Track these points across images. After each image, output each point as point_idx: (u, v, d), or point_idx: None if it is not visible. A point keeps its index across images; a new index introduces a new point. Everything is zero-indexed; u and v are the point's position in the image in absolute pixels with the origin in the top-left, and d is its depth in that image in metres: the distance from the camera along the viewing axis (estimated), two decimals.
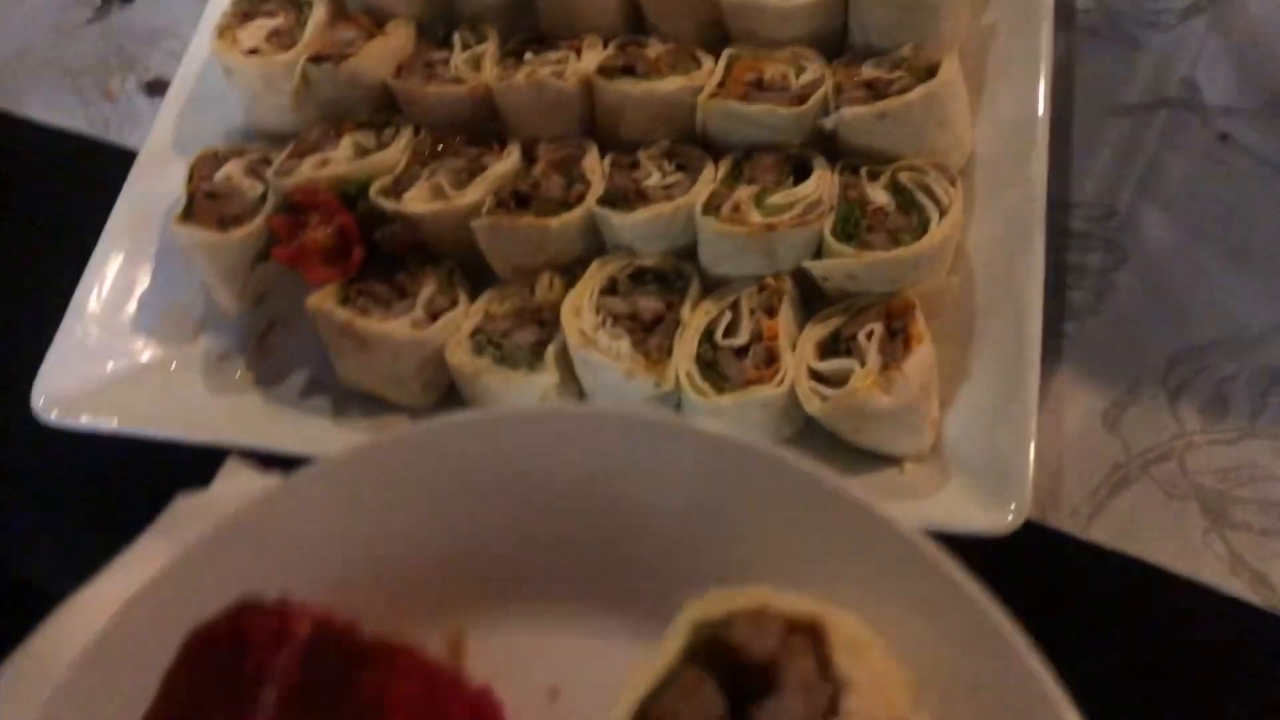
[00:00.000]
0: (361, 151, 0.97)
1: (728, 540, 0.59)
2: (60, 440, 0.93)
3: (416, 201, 0.91)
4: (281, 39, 1.04)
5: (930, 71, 0.90)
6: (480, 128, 0.98)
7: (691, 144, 0.95)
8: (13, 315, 1.07)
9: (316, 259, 0.91)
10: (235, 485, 0.76)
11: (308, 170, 0.94)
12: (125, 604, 0.62)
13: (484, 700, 0.60)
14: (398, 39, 1.02)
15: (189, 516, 0.73)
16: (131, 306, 0.98)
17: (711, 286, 0.89)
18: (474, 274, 0.93)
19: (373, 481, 0.64)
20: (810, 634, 0.51)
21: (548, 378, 0.85)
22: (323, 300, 0.88)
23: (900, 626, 0.54)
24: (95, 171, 1.12)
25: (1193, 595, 0.81)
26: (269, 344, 0.98)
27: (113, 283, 0.98)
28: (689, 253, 0.90)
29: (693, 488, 0.60)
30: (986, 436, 0.82)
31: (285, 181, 0.94)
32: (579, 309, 0.86)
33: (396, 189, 0.92)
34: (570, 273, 0.91)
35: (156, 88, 1.19)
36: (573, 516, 0.63)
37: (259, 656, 0.56)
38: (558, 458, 0.62)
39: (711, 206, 0.87)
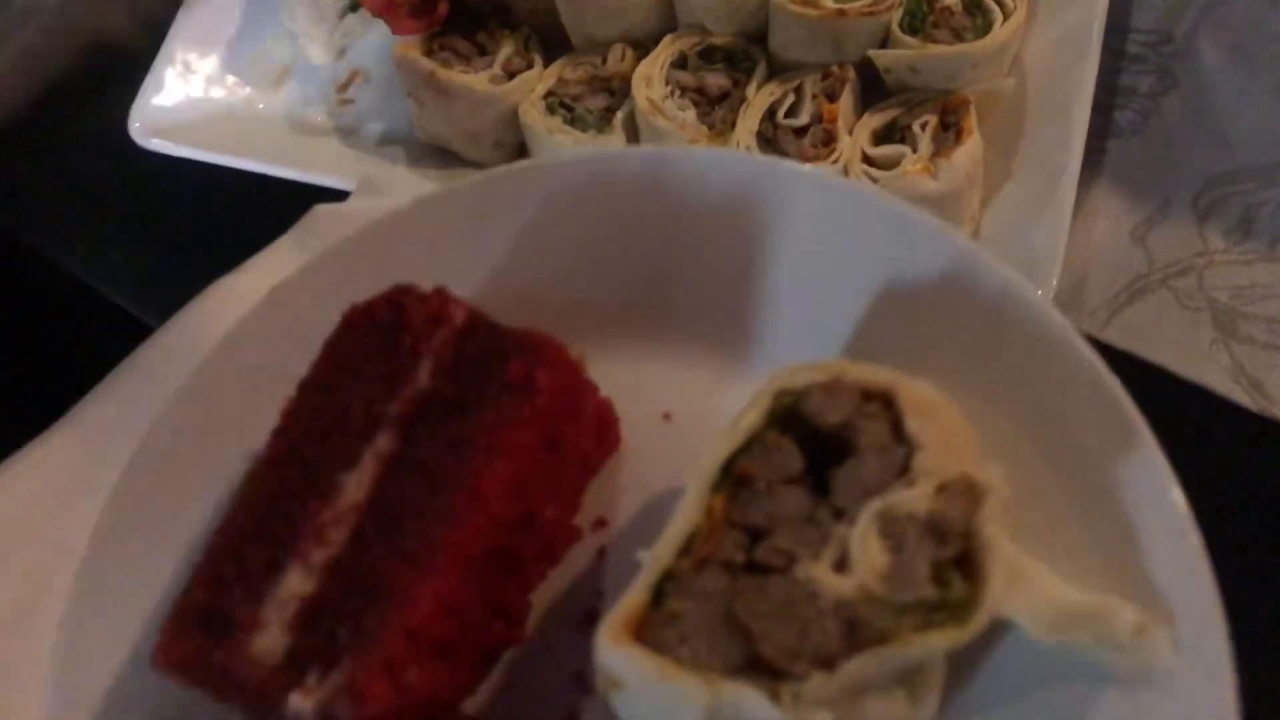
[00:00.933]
0: None
1: (834, 294, 0.63)
2: (150, 168, 0.99)
3: None
4: None
5: None
6: None
7: None
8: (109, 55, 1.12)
9: (403, 10, 0.95)
10: (369, 202, 0.82)
11: None
12: (273, 290, 0.67)
13: (607, 407, 0.66)
14: None
15: (325, 225, 0.79)
16: (224, 46, 1.04)
17: (777, 72, 0.93)
18: (549, 43, 0.97)
19: (505, 206, 0.67)
20: (882, 400, 0.54)
21: (615, 140, 0.90)
22: (408, 49, 0.93)
23: (980, 378, 0.57)
24: None
25: (1192, 396, 0.88)
26: (349, 94, 1.03)
27: (209, 20, 1.03)
28: (758, 37, 0.94)
29: (806, 236, 0.63)
30: (1021, 232, 0.87)
31: None
32: (649, 78, 0.90)
33: None
34: (641, 47, 0.95)
35: None
36: (693, 257, 0.66)
37: (417, 334, 0.60)
38: (691, 195, 0.65)
39: None
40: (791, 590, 0.49)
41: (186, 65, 1.01)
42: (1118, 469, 0.54)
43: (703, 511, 0.51)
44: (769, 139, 0.89)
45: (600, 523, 0.65)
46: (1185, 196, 0.94)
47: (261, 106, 1.02)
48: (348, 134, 1.01)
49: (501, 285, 0.66)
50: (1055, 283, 0.83)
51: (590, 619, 0.62)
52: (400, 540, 0.54)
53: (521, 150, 0.96)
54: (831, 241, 0.63)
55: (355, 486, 0.57)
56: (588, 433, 0.64)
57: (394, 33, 0.95)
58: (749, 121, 0.89)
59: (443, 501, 0.55)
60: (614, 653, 0.48)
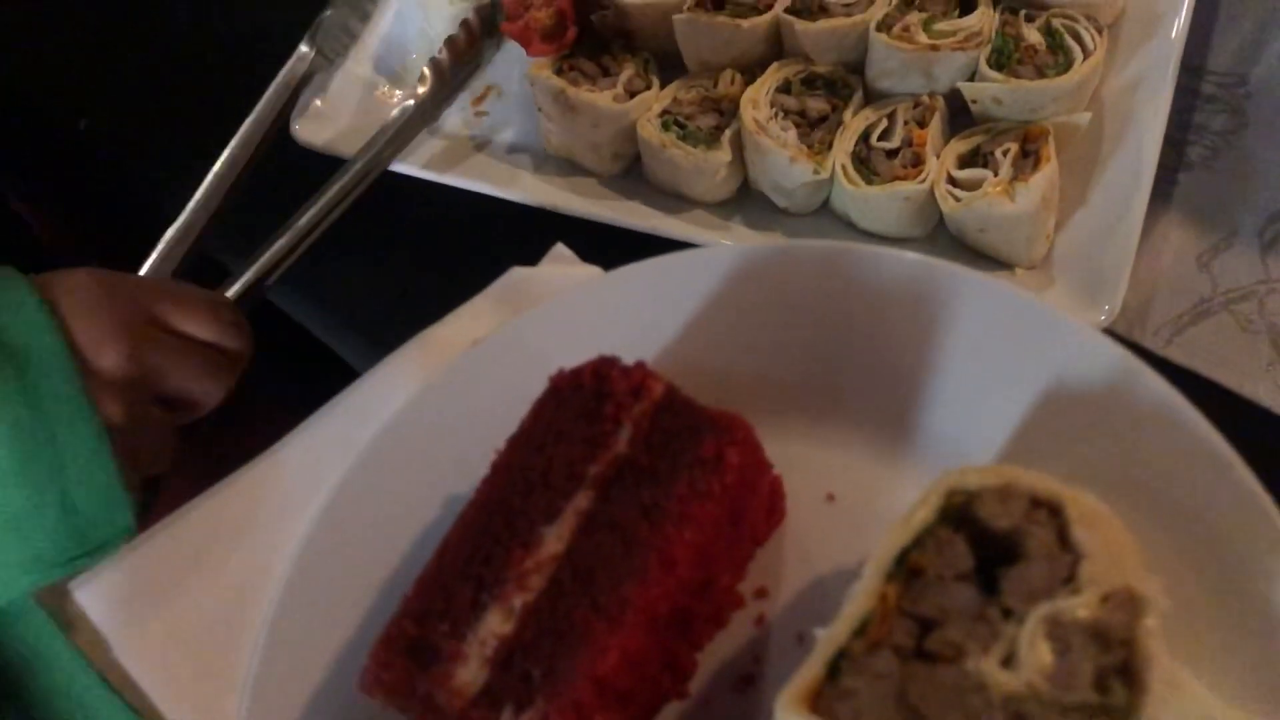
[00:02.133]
0: None
1: (995, 394, 0.66)
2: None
3: None
4: None
5: None
6: None
7: None
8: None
9: (536, 35, 1.06)
10: (561, 268, 0.89)
11: None
12: (474, 344, 0.73)
13: (778, 484, 0.69)
14: None
15: (521, 287, 0.86)
16: (370, 56, 1.17)
17: (872, 99, 1.02)
18: (666, 66, 1.08)
19: (692, 284, 0.72)
20: (1050, 508, 0.57)
21: (722, 156, 1.00)
22: (540, 69, 1.04)
23: (1136, 487, 0.60)
24: None
25: (1246, 411, 0.94)
26: (483, 107, 1.15)
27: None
28: (856, 67, 1.03)
29: (975, 338, 0.66)
30: (1091, 253, 0.95)
31: None
32: (756, 101, 1.00)
33: None
34: (749, 73, 1.05)
35: None
36: (863, 347, 0.69)
37: (619, 403, 0.65)
38: (869, 287, 0.69)
39: (884, 25, 1.00)
40: (961, 680, 0.53)
41: (345, 70, 1.14)
42: (1271, 586, 0.59)
43: (877, 598, 0.55)
44: (863, 159, 0.98)
45: (761, 591, 0.69)
46: (1251, 228, 1.01)
47: (395, 114, 1.13)
48: (481, 142, 1.13)
49: (684, 357, 0.71)
50: (1121, 301, 0.91)
51: (747, 682, 0.67)
52: (594, 593, 0.60)
53: (637, 161, 1.07)
54: (996, 344, 0.67)
55: (555, 539, 0.63)
56: (761, 507, 0.69)
57: (528, 54, 1.06)
58: (845, 143, 0.98)
59: (635, 561, 0.60)
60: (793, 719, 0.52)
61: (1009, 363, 0.67)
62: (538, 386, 0.68)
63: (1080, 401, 0.65)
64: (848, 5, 1.03)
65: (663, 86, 1.06)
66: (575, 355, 0.68)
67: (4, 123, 1.32)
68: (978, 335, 0.68)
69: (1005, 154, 0.95)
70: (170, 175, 1.13)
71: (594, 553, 0.62)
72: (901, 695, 0.53)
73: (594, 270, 0.88)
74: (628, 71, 1.06)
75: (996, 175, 0.94)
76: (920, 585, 0.56)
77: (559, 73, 1.05)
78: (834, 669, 0.54)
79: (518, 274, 0.90)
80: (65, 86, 1.29)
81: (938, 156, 0.97)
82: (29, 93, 1.29)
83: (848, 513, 0.70)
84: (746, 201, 1.04)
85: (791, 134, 0.99)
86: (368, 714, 0.65)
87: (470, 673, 0.60)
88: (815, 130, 1.00)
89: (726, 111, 1.03)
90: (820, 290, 0.71)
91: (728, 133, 1.01)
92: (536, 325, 0.74)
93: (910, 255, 0.72)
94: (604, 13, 1.06)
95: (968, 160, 0.97)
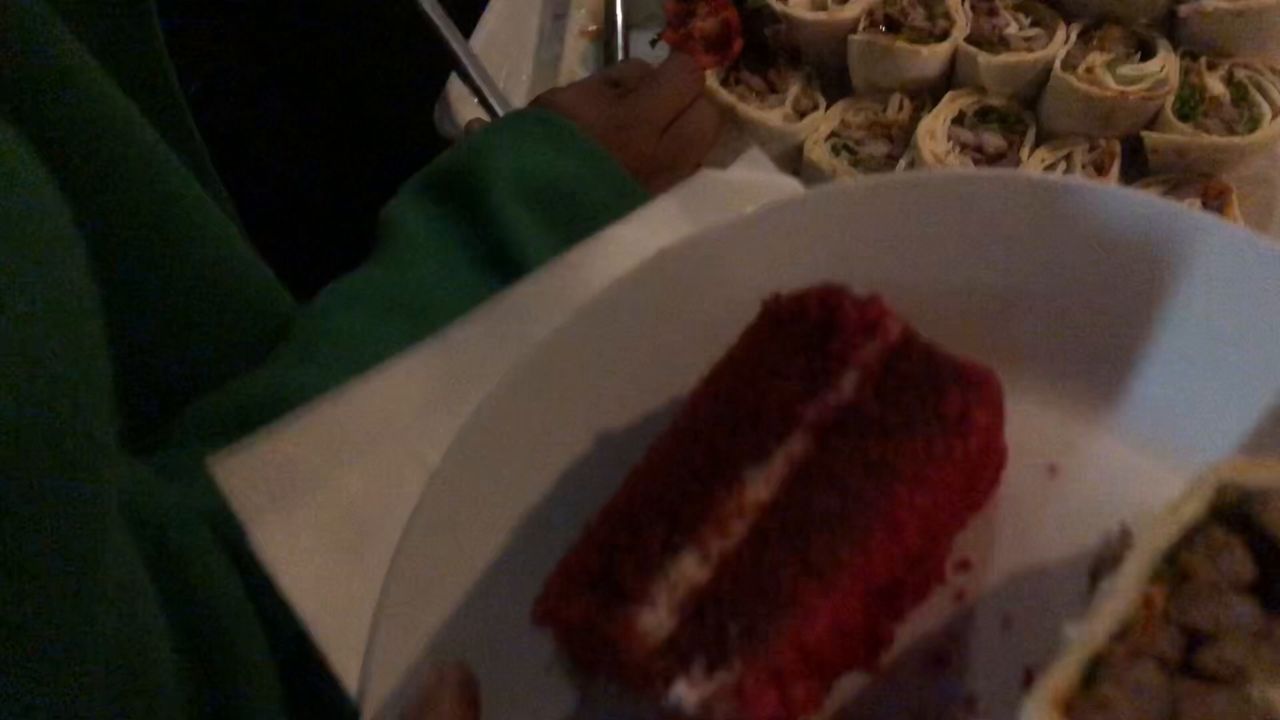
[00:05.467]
0: None
1: (1243, 367, 0.58)
2: None
3: (801, 8, 1.02)
4: None
5: None
6: None
7: (1042, 3, 1.04)
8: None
9: (700, 46, 1.03)
10: (754, 175, 0.79)
11: None
12: (660, 252, 0.65)
13: (1005, 452, 0.61)
14: None
15: (711, 191, 0.76)
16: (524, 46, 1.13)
17: (1044, 137, 1.00)
18: (828, 81, 1.05)
19: (904, 211, 0.63)
20: None
21: None
22: (708, 81, 1.01)
23: None
24: None
25: None
26: None
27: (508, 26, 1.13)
28: (1029, 102, 1.01)
29: (1219, 296, 0.58)
30: None
31: None
32: (934, 132, 0.98)
33: None
34: (918, 98, 1.02)
35: None
36: (1089, 300, 0.62)
37: (848, 340, 0.57)
38: (1091, 229, 0.61)
39: (1068, 65, 0.97)
40: (1244, 709, 0.47)
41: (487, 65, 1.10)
42: None
43: (1140, 599, 0.49)
44: None
45: (964, 564, 0.62)
46: None
47: None
48: None
49: (898, 294, 0.60)
50: None
51: (941, 662, 0.60)
52: (805, 550, 0.54)
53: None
54: (1239, 302, 0.58)
55: (763, 484, 0.56)
56: (990, 476, 0.61)
57: None
58: None
59: (856, 522, 0.54)
60: None
61: (1259, 328, 0.57)
62: (735, 310, 0.60)
63: None
64: (1026, 39, 1.01)
65: (827, 104, 1.04)
66: (780, 278, 0.60)
67: None
68: (1221, 293, 0.58)
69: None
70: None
71: (807, 505, 0.54)
72: (1170, 715, 0.47)
73: (792, 182, 0.79)
74: (794, 88, 1.03)
75: None
76: (1191, 591, 0.49)
77: (724, 84, 1.02)
78: (1090, 675, 0.48)
79: (709, 177, 0.79)
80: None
81: None
82: None
83: (1072, 490, 0.61)
84: None
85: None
86: (513, 636, 0.59)
87: (656, 618, 0.53)
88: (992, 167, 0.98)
89: (896, 139, 1.01)
90: (1041, 227, 0.62)
91: (902, 162, 0.99)
92: (735, 237, 0.64)
93: (1142, 195, 0.64)
94: (777, 27, 1.02)
95: None
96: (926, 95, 1.02)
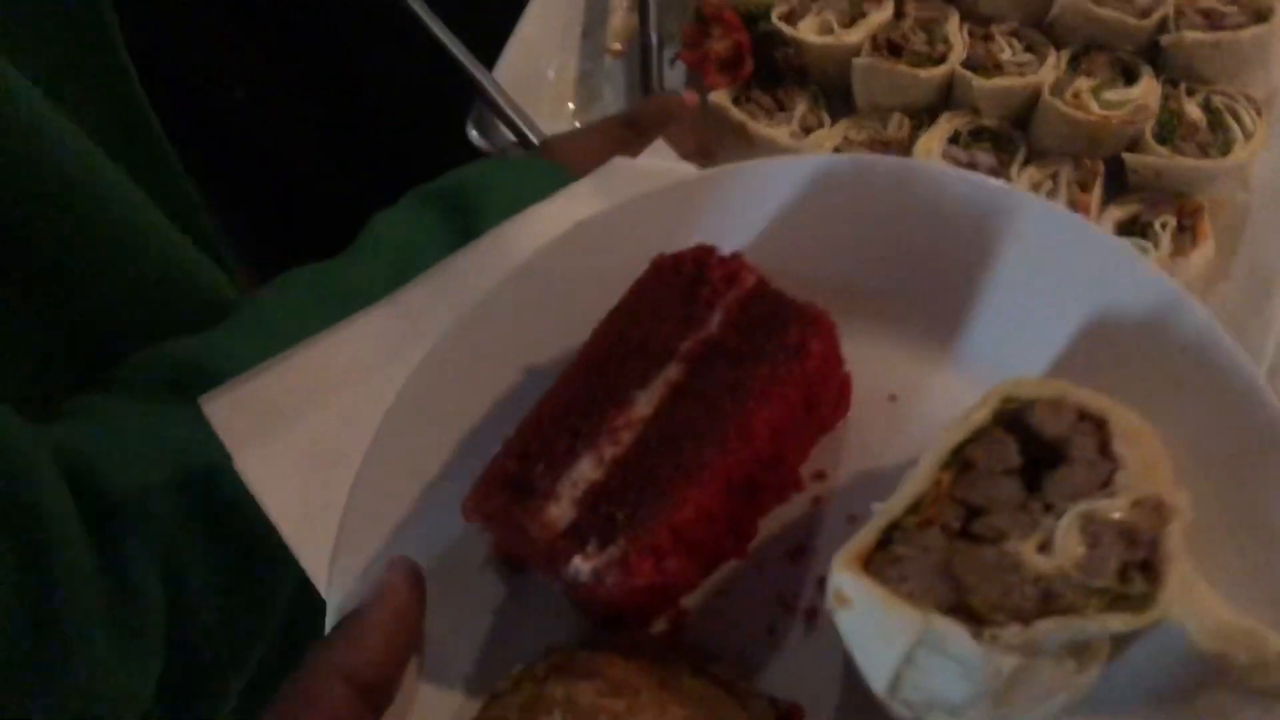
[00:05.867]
0: None
1: (1044, 310, 0.70)
2: None
3: (809, 32, 1.10)
4: None
5: (1261, 15, 1.06)
6: None
7: (1035, 29, 1.12)
8: None
9: (714, 66, 1.10)
10: (659, 163, 0.94)
11: None
12: (577, 224, 0.77)
13: (848, 379, 0.74)
14: None
15: (622, 176, 0.91)
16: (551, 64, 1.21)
17: (1032, 156, 1.08)
18: (833, 99, 1.13)
19: (779, 188, 0.76)
20: (1095, 422, 0.62)
21: None
22: (721, 99, 1.09)
23: (1167, 411, 0.63)
24: None
25: None
26: None
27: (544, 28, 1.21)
28: (1020, 122, 1.08)
29: (1031, 257, 0.70)
30: (1232, 328, 1.01)
31: None
32: (930, 151, 1.06)
33: (790, 18, 1.11)
34: (915, 117, 1.10)
35: None
36: (925, 258, 0.73)
37: (714, 288, 0.70)
38: (930, 201, 0.72)
39: (1056, 90, 1.05)
40: (1001, 559, 0.59)
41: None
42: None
43: (931, 483, 0.61)
44: None
45: (819, 475, 0.74)
46: None
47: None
48: None
49: (770, 254, 0.73)
50: (1265, 367, 0.98)
51: (799, 552, 0.72)
52: (677, 453, 0.66)
53: None
54: (1050, 265, 0.70)
55: (646, 403, 0.68)
56: (831, 398, 0.73)
57: (704, 84, 1.11)
58: None
59: (716, 430, 0.66)
60: (847, 576, 0.58)
61: (1056, 280, 0.70)
62: (633, 268, 0.72)
63: (1125, 325, 0.68)
64: (1019, 64, 1.08)
65: (832, 121, 1.11)
66: (672, 243, 0.72)
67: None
68: (1034, 255, 0.71)
69: (1164, 227, 1.01)
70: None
71: (680, 419, 0.67)
72: (946, 566, 0.59)
73: (689, 168, 0.94)
74: (801, 107, 1.10)
75: (1157, 249, 1.00)
76: (971, 476, 0.61)
77: (736, 103, 1.10)
78: (886, 539, 0.60)
79: (619, 164, 0.94)
80: (218, 55, 1.32)
81: (1097, 220, 1.03)
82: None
83: (907, 412, 0.73)
84: None
85: None
86: (454, 539, 0.71)
87: (560, 510, 0.65)
88: None
89: (896, 155, 1.08)
90: (891, 202, 0.74)
91: None
92: (636, 213, 0.77)
93: (975, 175, 0.75)
94: (786, 50, 1.10)
95: (1125, 227, 1.03)
96: (924, 115, 1.10)
